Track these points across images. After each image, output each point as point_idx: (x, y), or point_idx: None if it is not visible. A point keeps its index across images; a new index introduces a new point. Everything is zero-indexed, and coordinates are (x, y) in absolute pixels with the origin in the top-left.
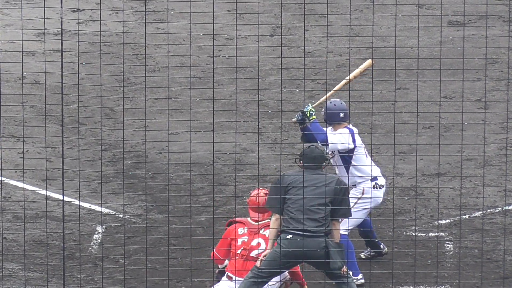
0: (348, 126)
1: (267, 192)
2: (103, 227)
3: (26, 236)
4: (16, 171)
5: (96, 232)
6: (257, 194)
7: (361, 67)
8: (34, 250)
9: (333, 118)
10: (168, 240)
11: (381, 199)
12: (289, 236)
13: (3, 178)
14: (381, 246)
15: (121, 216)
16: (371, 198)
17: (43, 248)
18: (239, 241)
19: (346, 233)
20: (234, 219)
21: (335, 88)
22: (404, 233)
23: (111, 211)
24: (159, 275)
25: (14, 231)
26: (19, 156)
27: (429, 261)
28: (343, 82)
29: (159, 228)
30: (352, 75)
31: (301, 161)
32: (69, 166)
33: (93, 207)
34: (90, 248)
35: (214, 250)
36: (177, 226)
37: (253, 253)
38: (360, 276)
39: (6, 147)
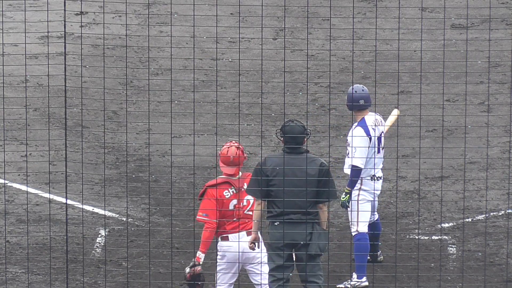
0: (369, 114)
1: (239, 146)
2: (106, 230)
3: (29, 239)
4: (19, 174)
5: (99, 235)
6: (228, 147)
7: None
8: (37, 253)
9: (354, 106)
10: (171, 243)
11: (379, 190)
12: (276, 223)
13: (6, 181)
14: (379, 253)
15: (124, 219)
16: (374, 190)
17: (46, 251)
18: (231, 206)
19: (366, 230)
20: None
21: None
22: (407, 236)
23: (114, 214)
24: (162, 279)
25: (17, 234)
26: (22, 159)
27: (432, 264)
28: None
29: (162, 231)
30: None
31: (281, 138)
32: (72, 169)
33: (96, 210)
34: (93, 252)
35: (202, 214)
36: (180, 229)
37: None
38: (364, 278)
39: (9, 150)
